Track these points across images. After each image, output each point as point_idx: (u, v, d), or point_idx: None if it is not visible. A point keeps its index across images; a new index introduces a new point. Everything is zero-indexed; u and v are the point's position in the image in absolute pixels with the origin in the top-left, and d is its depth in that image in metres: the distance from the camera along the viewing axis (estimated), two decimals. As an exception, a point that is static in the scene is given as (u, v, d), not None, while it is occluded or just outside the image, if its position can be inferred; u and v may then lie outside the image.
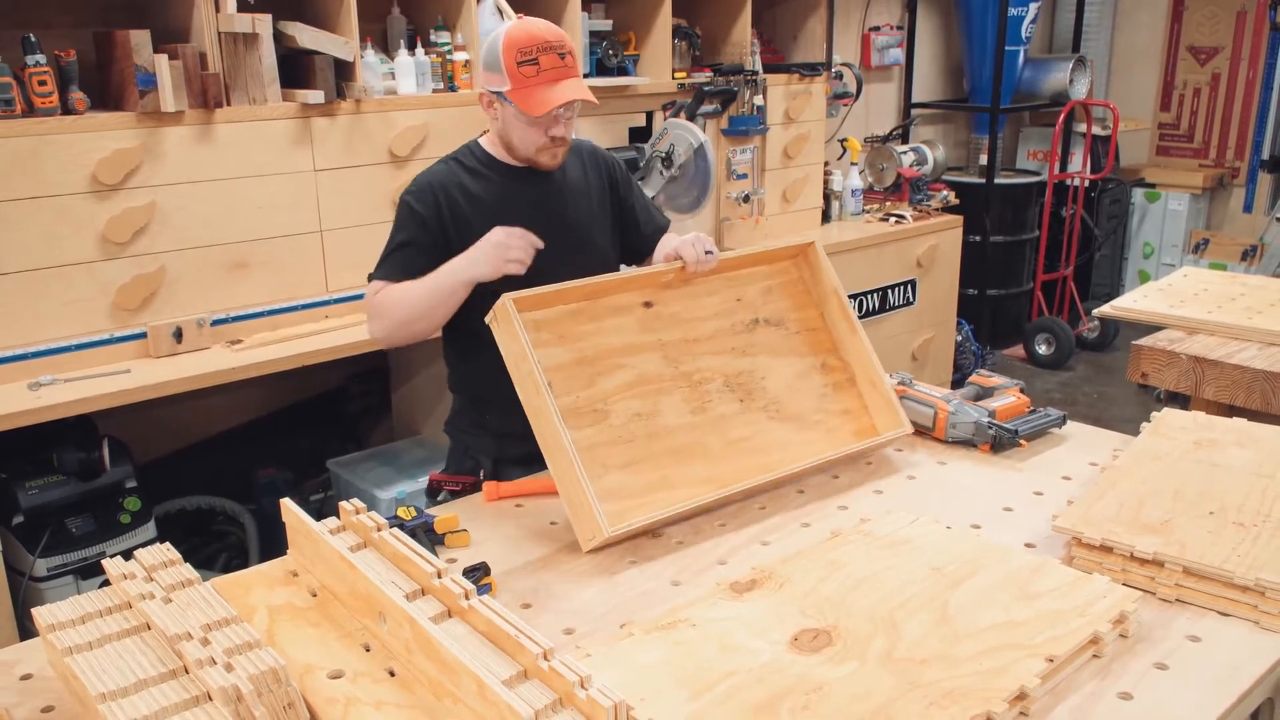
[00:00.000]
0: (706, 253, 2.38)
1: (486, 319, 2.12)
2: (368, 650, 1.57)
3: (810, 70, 5.18)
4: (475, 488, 2.44)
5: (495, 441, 2.59)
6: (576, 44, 4.20)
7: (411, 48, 3.86)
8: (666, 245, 2.53)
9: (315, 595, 1.74)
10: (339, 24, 3.58)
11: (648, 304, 2.35)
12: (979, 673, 1.53)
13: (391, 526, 1.75)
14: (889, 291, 5.39)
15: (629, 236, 2.69)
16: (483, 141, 2.54)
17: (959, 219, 5.73)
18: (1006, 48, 6.34)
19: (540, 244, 2.33)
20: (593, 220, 2.60)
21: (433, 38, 3.94)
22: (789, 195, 5.19)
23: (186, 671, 1.44)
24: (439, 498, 2.54)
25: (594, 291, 2.28)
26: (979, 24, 6.54)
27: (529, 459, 2.32)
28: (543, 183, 2.52)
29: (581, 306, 2.25)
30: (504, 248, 2.28)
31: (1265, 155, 7.06)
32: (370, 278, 2.48)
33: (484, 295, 2.23)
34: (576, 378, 2.18)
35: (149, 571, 1.70)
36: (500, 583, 1.92)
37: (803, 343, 2.52)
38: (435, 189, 2.47)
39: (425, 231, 2.44)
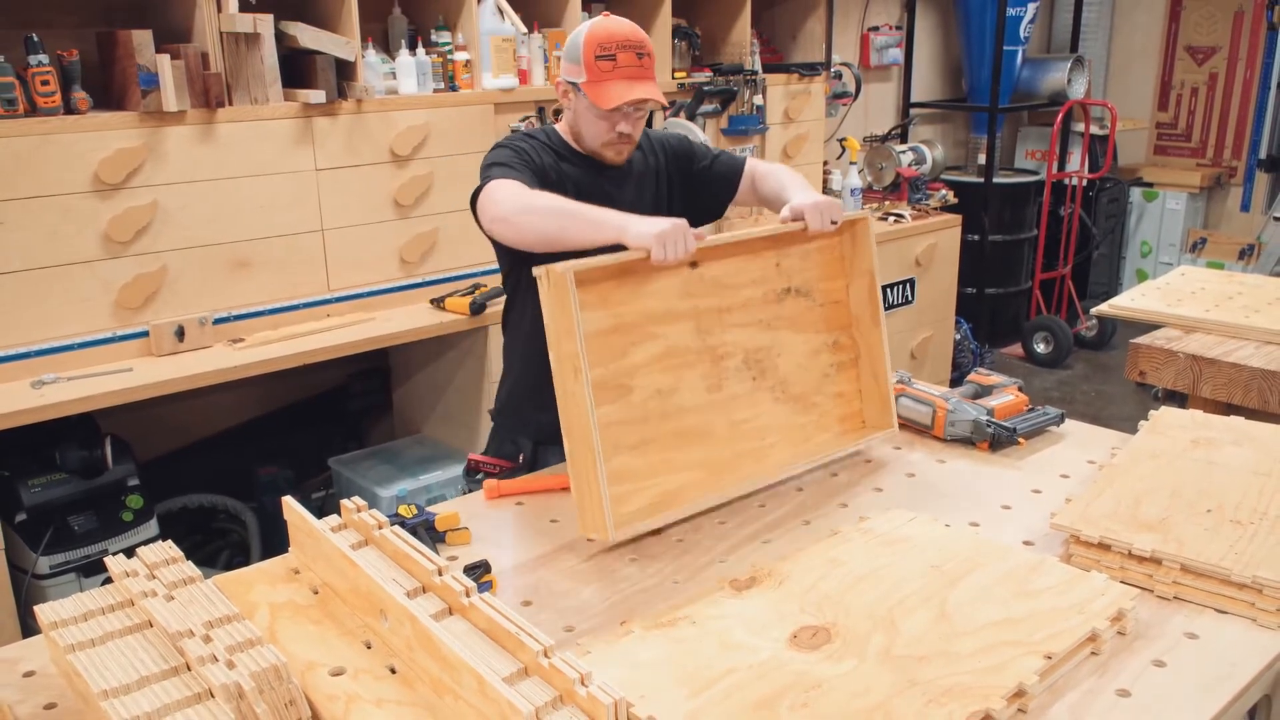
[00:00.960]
0: (832, 222, 2.33)
1: (535, 272, 1.99)
2: (369, 647, 1.58)
3: (809, 70, 5.19)
4: (514, 471, 2.50)
5: (540, 424, 2.55)
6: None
7: (412, 48, 3.87)
8: (794, 198, 2.40)
9: (317, 593, 1.75)
10: (340, 24, 3.59)
11: (694, 264, 2.22)
12: (977, 670, 1.52)
13: (392, 524, 1.76)
14: (888, 290, 5.40)
15: (709, 192, 2.69)
16: (559, 127, 2.58)
17: (957, 218, 5.73)
18: (1005, 48, 6.35)
19: (700, 236, 2.17)
20: (658, 209, 2.58)
21: (434, 38, 3.95)
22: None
23: (188, 669, 1.45)
24: (477, 477, 2.56)
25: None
26: (977, 24, 6.54)
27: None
28: (613, 172, 2.55)
29: (631, 265, 2.10)
30: (662, 242, 2.07)
31: (1262, 154, 7.06)
32: (490, 179, 2.36)
33: None
34: (610, 347, 2.08)
35: (151, 569, 1.71)
36: (501, 580, 1.92)
37: (822, 317, 2.44)
38: (532, 150, 2.47)
39: (528, 161, 2.43)
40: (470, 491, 2.52)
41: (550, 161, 2.48)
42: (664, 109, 4.56)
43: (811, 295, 2.42)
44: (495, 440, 2.73)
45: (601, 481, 1.96)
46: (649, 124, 3.52)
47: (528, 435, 2.62)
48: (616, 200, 2.39)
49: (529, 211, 2.23)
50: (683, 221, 2.10)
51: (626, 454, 2.10)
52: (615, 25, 2.41)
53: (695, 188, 2.68)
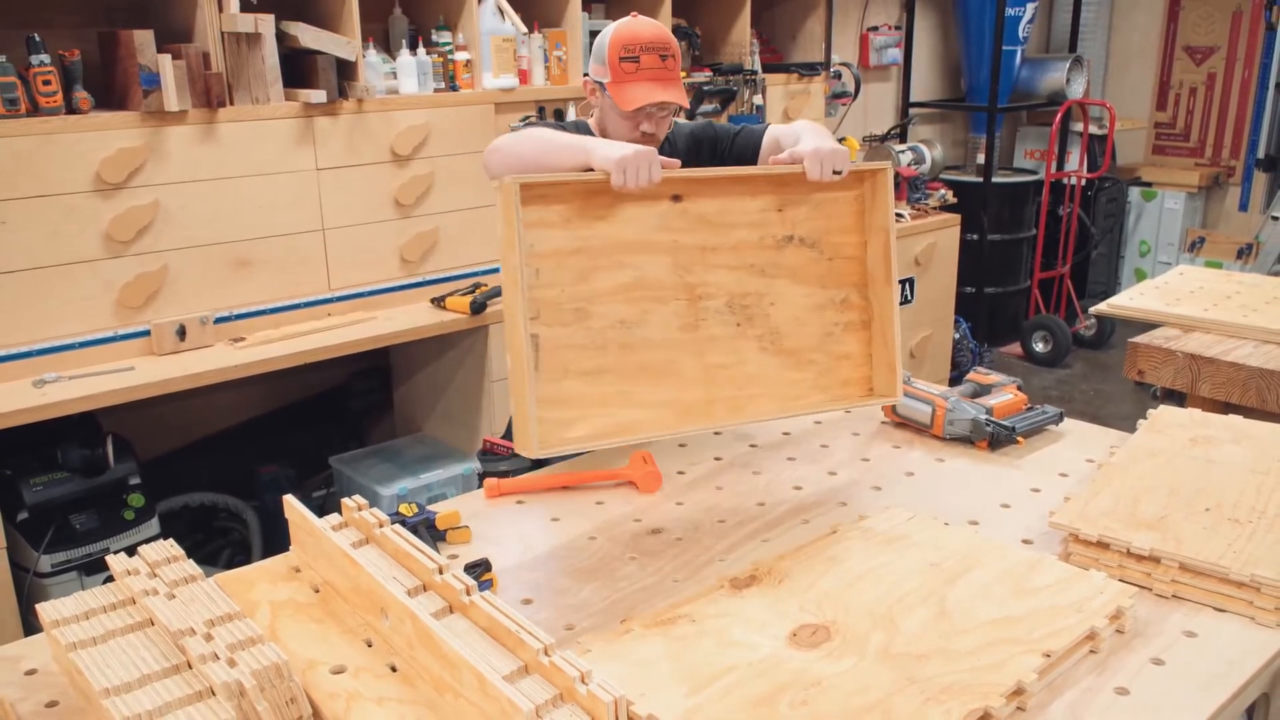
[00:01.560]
0: (835, 172, 2.18)
1: (494, 184, 1.98)
2: (370, 646, 1.58)
3: (809, 70, 5.20)
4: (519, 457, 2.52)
5: None
6: (576, 44, 4.22)
7: (413, 48, 3.88)
8: (800, 143, 2.27)
9: (317, 591, 1.75)
10: (341, 24, 3.59)
11: (676, 198, 2.12)
12: (976, 668, 1.52)
13: (393, 523, 1.76)
14: (887, 290, 5.40)
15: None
16: (590, 122, 2.62)
17: (957, 217, 5.74)
18: (1004, 48, 6.35)
19: (670, 165, 2.10)
20: None
21: (434, 38, 3.95)
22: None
23: (190, 667, 1.45)
24: (487, 458, 2.60)
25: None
26: (976, 24, 6.54)
27: None
28: None
29: (603, 187, 2.03)
30: (623, 168, 2.01)
31: (1260, 154, 7.07)
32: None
33: None
34: (569, 269, 2.01)
35: (152, 567, 1.71)
36: (501, 578, 1.93)
37: (830, 271, 2.26)
38: (566, 127, 2.50)
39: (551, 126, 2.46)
40: (483, 473, 2.56)
41: None
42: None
43: (819, 247, 2.26)
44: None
45: (530, 395, 1.90)
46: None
47: None
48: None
49: (519, 139, 2.26)
50: (650, 149, 2.03)
51: (577, 379, 2.01)
52: (640, 27, 2.43)
53: (728, 163, 2.65)
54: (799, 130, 2.50)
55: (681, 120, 2.78)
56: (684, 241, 2.12)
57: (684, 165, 2.54)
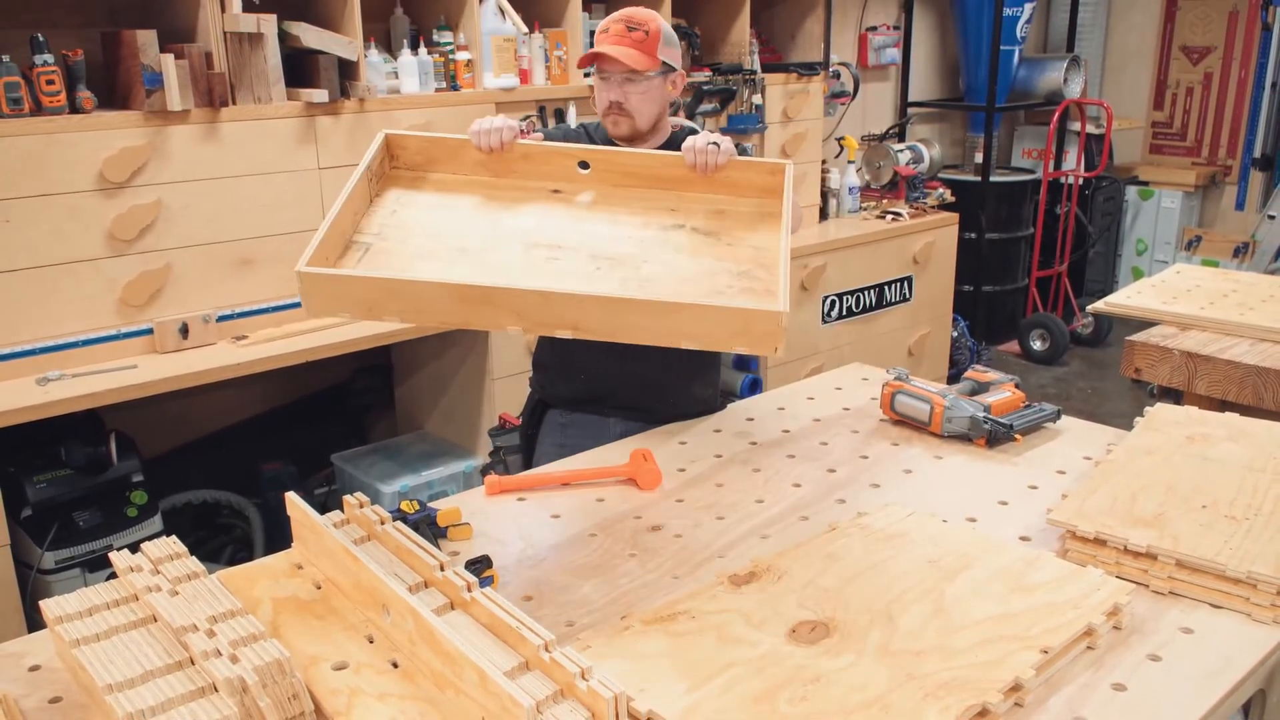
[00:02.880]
0: (710, 144, 2.16)
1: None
2: (371, 642, 1.58)
3: (808, 70, 5.21)
4: (521, 429, 2.72)
5: (544, 381, 2.76)
6: (576, 44, 4.23)
7: (414, 47, 3.89)
8: None
9: (319, 588, 1.76)
10: (343, 24, 3.60)
11: (556, 191, 2.13)
12: (975, 664, 1.53)
13: (395, 520, 1.77)
14: (886, 288, 5.42)
15: None
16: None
17: (955, 216, 5.75)
18: (1002, 47, 6.35)
19: (527, 133, 2.20)
20: None
21: (435, 37, 3.96)
22: (786, 193, 5.21)
23: (192, 663, 1.46)
24: (499, 436, 2.70)
25: (511, 162, 2.16)
26: (974, 24, 6.56)
27: (570, 403, 2.66)
28: None
29: (488, 180, 2.13)
30: (481, 128, 2.15)
31: (1257, 153, 7.07)
32: None
33: None
34: (429, 229, 2.02)
35: (155, 564, 1.71)
36: (502, 575, 1.93)
37: (730, 254, 2.00)
38: (565, 130, 2.68)
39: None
40: (494, 449, 2.65)
41: (577, 139, 2.57)
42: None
43: (717, 236, 2.07)
44: (528, 404, 2.86)
45: (324, 227, 1.84)
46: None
47: (536, 393, 2.79)
48: None
49: None
50: (510, 120, 2.17)
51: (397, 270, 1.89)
52: (625, 8, 2.50)
53: None
54: None
55: (697, 126, 2.80)
56: (554, 215, 2.10)
57: None
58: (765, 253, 2.00)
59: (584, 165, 2.16)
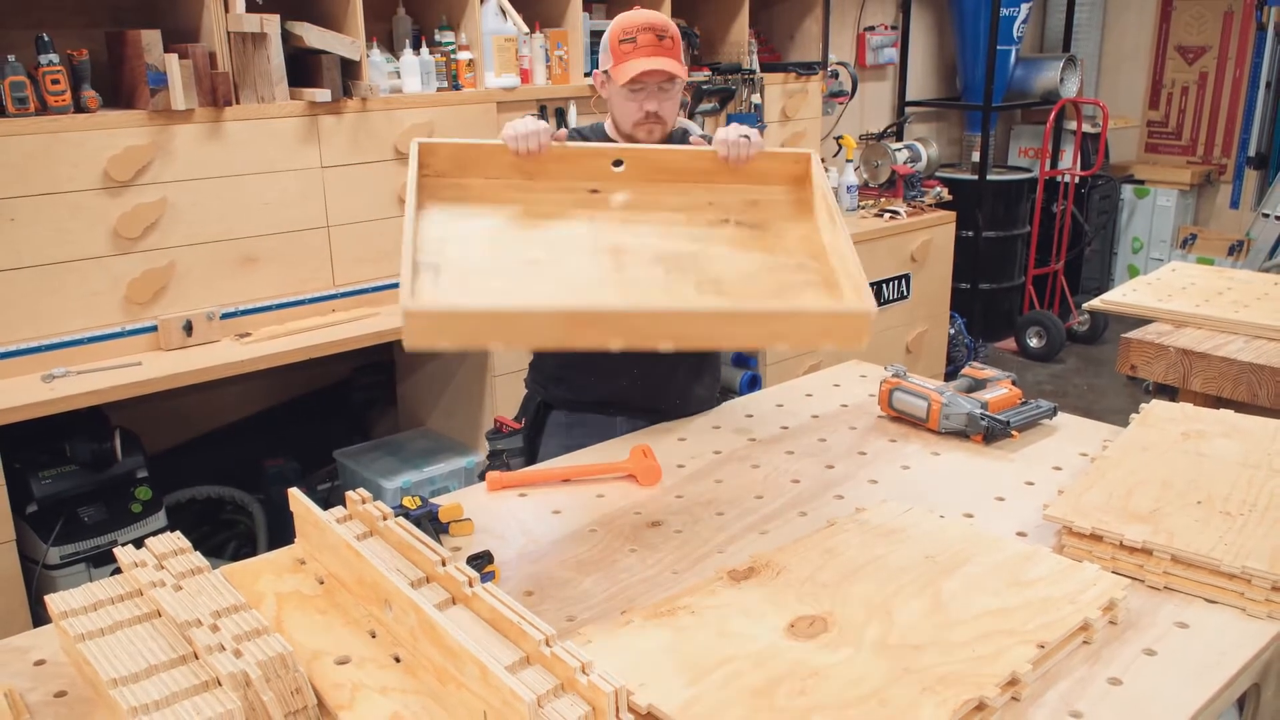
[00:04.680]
0: (742, 136, 2.21)
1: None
2: (373, 637, 1.59)
3: (806, 69, 5.22)
4: (522, 433, 2.73)
5: (548, 383, 2.78)
6: (577, 44, 4.25)
7: (416, 47, 3.90)
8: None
9: (322, 583, 1.76)
10: (345, 24, 3.61)
11: (594, 190, 2.16)
12: (972, 658, 1.53)
13: (397, 515, 1.78)
14: (884, 286, 5.44)
15: None
16: (605, 124, 2.70)
17: (952, 215, 5.76)
18: (998, 47, 6.36)
19: (560, 137, 2.20)
20: None
21: (437, 37, 3.97)
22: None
23: (196, 657, 1.46)
24: (496, 440, 2.71)
25: (544, 164, 2.14)
26: (972, 24, 6.57)
27: (574, 404, 2.70)
28: None
29: (523, 182, 2.13)
30: (518, 132, 2.15)
31: (1251, 152, 7.08)
32: None
33: None
34: (485, 241, 2.02)
35: (159, 559, 1.72)
36: (503, 570, 1.94)
37: (779, 246, 2.08)
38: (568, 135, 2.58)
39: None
40: (491, 451, 2.66)
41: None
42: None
43: (761, 228, 2.13)
44: (524, 405, 2.89)
45: (411, 239, 1.82)
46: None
47: (536, 393, 2.81)
48: None
49: None
50: (541, 123, 2.17)
51: (480, 277, 1.89)
52: (638, 12, 2.53)
53: None
54: None
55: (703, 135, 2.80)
56: (604, 216, 2.12)
57: None
58: (809, 242, 2.07)
59: (618, 163, 2.18)
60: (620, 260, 1.96)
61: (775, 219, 2.14)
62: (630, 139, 2.58)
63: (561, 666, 1.34)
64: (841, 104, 5.92)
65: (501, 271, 1.90)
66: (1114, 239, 7.62)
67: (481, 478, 2.42)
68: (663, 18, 2.53)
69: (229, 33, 3.36)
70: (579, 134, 2.67)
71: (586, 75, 4.27)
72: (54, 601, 1.63)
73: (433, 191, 2.06)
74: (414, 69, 3.84)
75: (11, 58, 3.05)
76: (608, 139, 2.64)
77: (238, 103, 3.43)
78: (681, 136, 2.73)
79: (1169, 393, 3.23)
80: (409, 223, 1.85)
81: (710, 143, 2.29)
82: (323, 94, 3.53)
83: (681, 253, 2.00)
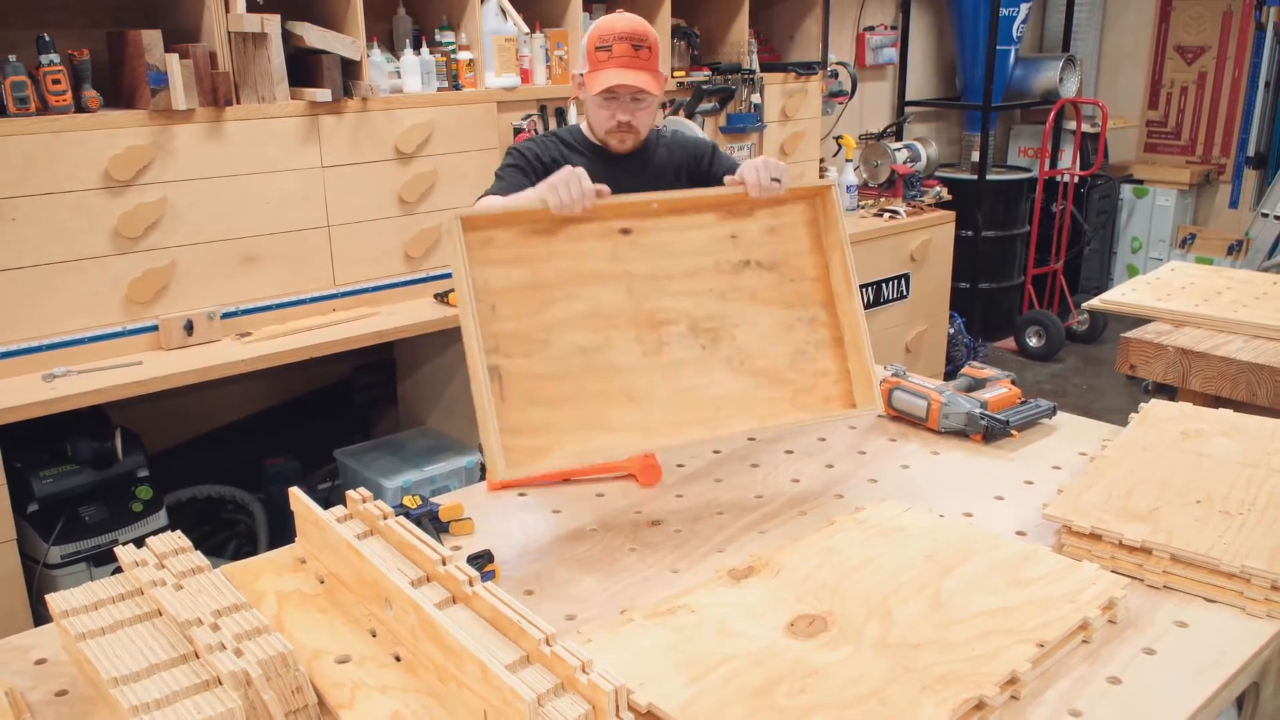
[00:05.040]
0: (773, 180, 2.27)
1: (444, 228, 2.10)
2: (374, 636, 1.60)
3: (806, 69, 5.23)
4: None
5: None
6: (577, 44, 4.24)
7: (417, 47, 3.90)
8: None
9: (323, 582, 1.77)
10: (346, 24, 3.61)
11: (625, 231, 2.19)
12: (971, 657, 1.54)
13: (397, 515, 1.78)
14: (883, 285, 5.44)
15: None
16: (581, 125, 2.70)
17: (951, 214, 5.77)
18: (998, 47, 6.36)
19: (603, 193, 2.16)
20: None
21: (437, 37, 3.97)
22: (785, 191, 5.23)
23: (197, 656, 1.47)
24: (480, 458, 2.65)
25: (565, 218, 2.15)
26: (971, 24, 6.57)
27: None
28: (629, 164, 2.64)
29: (550, 226, 2.12)
30: (554, 189, 2.11)
31: (1250, 152, 7.08)
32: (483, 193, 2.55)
33: None
34: (526, 302, 2.07)
35: (160, 559, 1.73)
36: (503, 570, 1.95)
37: (794, 292, 2.31)
38: (538, 146, 2.64)
39: (522, 164, 2.59)
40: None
41: (557, 154, 2.59)
42: (665, 106, 4.61)
43: (779, 270, 2.32)
44: None
45: (492, 425, 1.94)
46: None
47: None
48: (630, 190, 2.34)
49: (478, 209, 2.25)
50: (578, 169, 2.12)
51: (544, 407, 2.05)
52: (616, 19, 2.51)
53: (706, 183, 2.68)
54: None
55: (689, 134, 2.85)
56: (635, 271, 2.18)
57: (666, 171, 2.65)
58: (821, 286, 2.34)
59: (626, 231, 2.21)
60: (660, 336, 2.17)
61: (792, 253, 2.33)
62: (604, 144, 2.63)
63: (561, 665, 1.35)
64: (841, 104, 5.92)
65: (555, 374, 2.07)
66: (1113, 239, 7.62)
67: (482, 477, 2.42)
68: (643, 25, 2.51)
69: (229, 33, 3.36)
70: (557, 138, 2.68)
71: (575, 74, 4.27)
72: (55, 600, 1.63)
73: (477, 258, 2.07)
74: (414, 69, 3.84)
75: (12, 58, 3.05)
76: (587, 142, 2.66)
77: (238, 102, 3.43)
78: (697, 145, 2.74)
79: (1168, 392, 3.24)
80: (469, 319, 1.98)
81: (725, 149, 2.35)
82: (323, 94, 3.53)
83: (712, 316, 2.22)
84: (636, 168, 2.65)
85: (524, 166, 2.58)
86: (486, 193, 2.53)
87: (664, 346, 2.17)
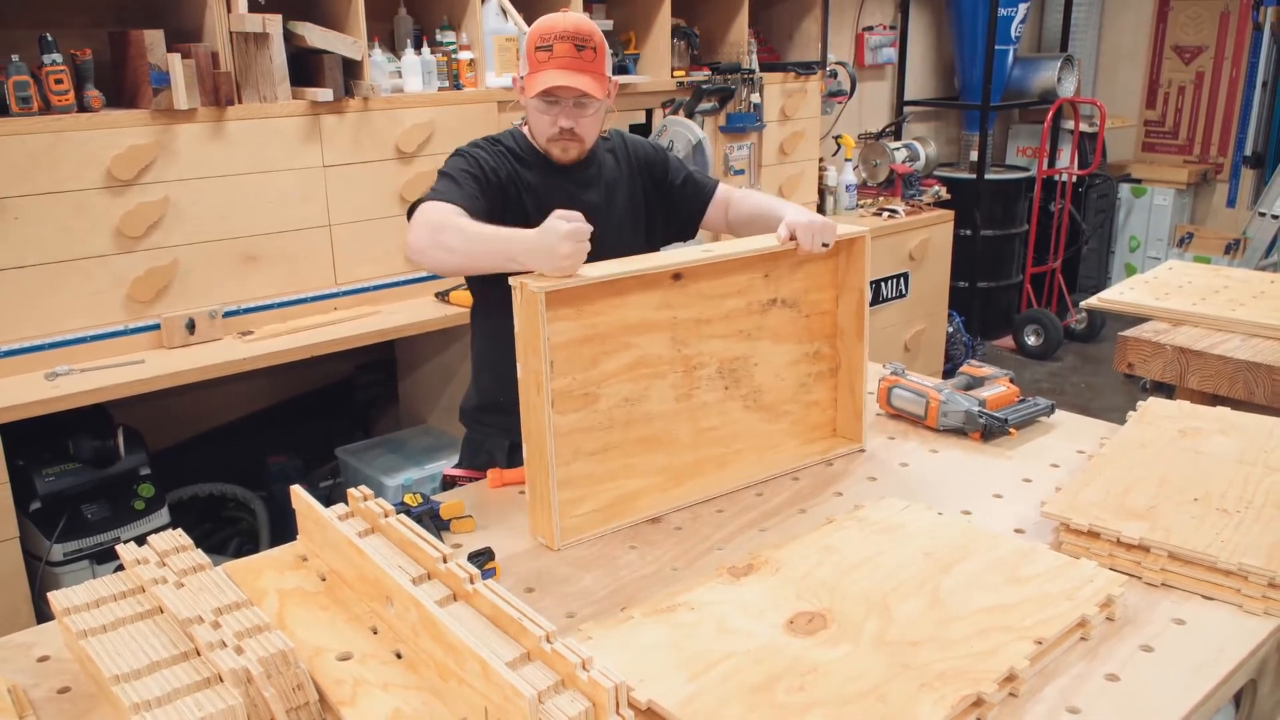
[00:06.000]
0: (824, 245, 2.26)
1: (511, 283, 1.95)
2: (375, 633, 1.60)
3: (805, 69, 5.23)
4: None
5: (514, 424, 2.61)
6: (577, 43, 4.25)
7: (418, 47, 3.90)
8: (787, 214, 2.33)
9: (324, 579, 1.77)
10: (347, 24, 3.61)
11: (677, 276, 2.15)
12: (970, 655, 1.54)
13: (398, 513, 1.78)
14: (882, 284, 5.46)
15: (677, 212, 2.64)
16: (525, 129, 2.51)
17: (950, 214, 5.78)
18: (996, 47, 6.38)
19: (587, 247, 1.99)
20: (624, 213, 2.54)
21: (438, 37, 3.98)
22: (785, 190, 5.24)
23: (198, 654, 1.47)
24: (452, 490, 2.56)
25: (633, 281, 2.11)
26: (970, 24, 6.58)
27: None
28: (578, 175, 2.48)
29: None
30: (559, 257, 1.93)
31: (1248, 151, 7.11)
32: (418, 202, 2.26)
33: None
34: (581, 358, 2.05)
35: (162, 556, 1.73)
36: (504, 567, 1.94)
37: (805, 327, 2.39)
38: (492, 158, 2.41)
39: (477, 174, 2.36)
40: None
41: (509, 170, 2.41)
42: (665, 106, 4.62)
43: (798, 306, 2.38)
44: (468, 449, 2.71)
45: (553, 491, 1.99)
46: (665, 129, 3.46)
47: (502, 438, 2.57)
48: (578, 201, 2.29)
49: (438, 248, 2.14)
50: (561, 229, 1.94)
51: (585, 460, 2.10)
52: (558, 18, 2.32)
53: (671, 202, 2.63)
54: (758, 198, 2.59)
55: (640, 137, 2.71)
56: (681, 316, 2.20)
57: (628, 180, 2.55)
58: (828, 319, 2.44)
59: (677, 276, 2.18)
60: (692, 380, 2.23)
61: (813, 287, 2.41)
62: (547, 153, 2.44)
63: (562, 663, 1.35)
64: (840, 103, 5.93)
65: (600, 426, 2.12)
66: (1111, 238, 7.64)
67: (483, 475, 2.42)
68: (587, 25, 2.32)
69: (231, 32, 3.36)
70: (505, 150, 2.45)
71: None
72: (57, 598, 1.64)
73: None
74: (415, 69, 3.84)
75: (15, 57, 3.05)
76: (536, 154, 2.46)
77: (240, 102, 3.43)
78: (654, 152, 2.62)
79: (1166, 390, 3.25)
80: (548, 429, 1.98)
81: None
82: (325, 93, 3.53)
83: (737, 357, 2.30)
84: (587, 179, 2.49)
85: (479, 177, 2.34)
86: (434, 192, 2.27)
87: (694, 390, 2.24)
